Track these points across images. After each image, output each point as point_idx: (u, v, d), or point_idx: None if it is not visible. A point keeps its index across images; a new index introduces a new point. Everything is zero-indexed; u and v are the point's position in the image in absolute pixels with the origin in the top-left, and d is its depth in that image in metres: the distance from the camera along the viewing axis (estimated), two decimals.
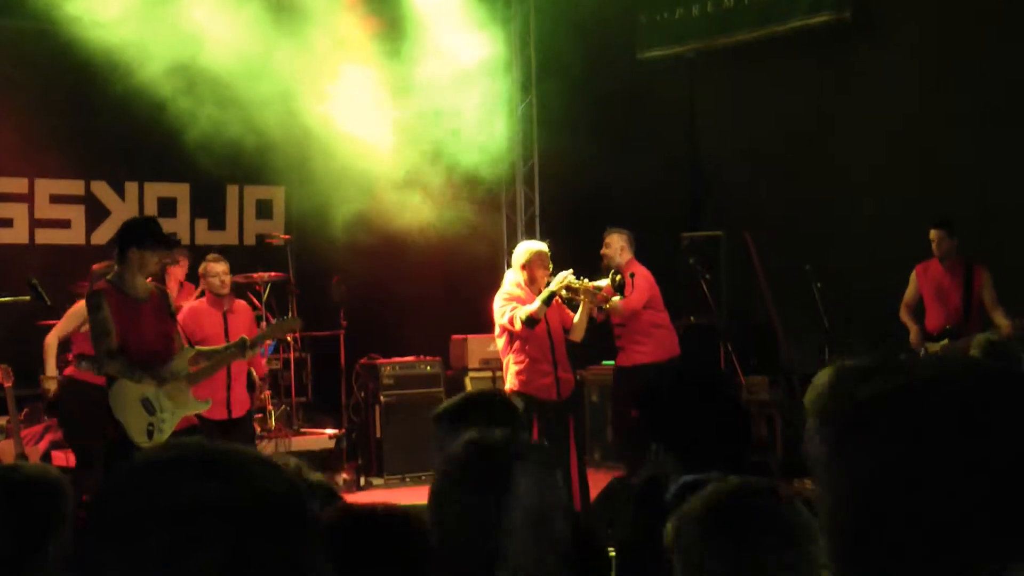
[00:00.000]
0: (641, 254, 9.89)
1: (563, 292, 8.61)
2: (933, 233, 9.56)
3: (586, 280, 8.69)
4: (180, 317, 8.79)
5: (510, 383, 8.64)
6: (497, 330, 8.73)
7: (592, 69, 12.13)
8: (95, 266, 8.96)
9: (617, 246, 9.71)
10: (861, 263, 10.89)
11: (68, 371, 9.04)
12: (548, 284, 8.53)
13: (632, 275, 9.23)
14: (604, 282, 8.82)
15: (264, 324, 9.64)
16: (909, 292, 9.79)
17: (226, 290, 8.86)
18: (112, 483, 1.17)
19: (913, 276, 9.77)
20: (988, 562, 1.05)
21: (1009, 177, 10.24)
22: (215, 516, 1.11)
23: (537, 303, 8.43)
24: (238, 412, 8.72)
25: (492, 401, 3.82)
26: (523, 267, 8.68)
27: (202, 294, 9.39)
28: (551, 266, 8.70)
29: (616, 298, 8.85)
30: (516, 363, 8.62)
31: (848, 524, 1.13)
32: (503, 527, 2.41)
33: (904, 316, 9.74)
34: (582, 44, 11.96)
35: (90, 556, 1.12)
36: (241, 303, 9.18)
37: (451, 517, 2.45)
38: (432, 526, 2.44)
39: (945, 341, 9.24)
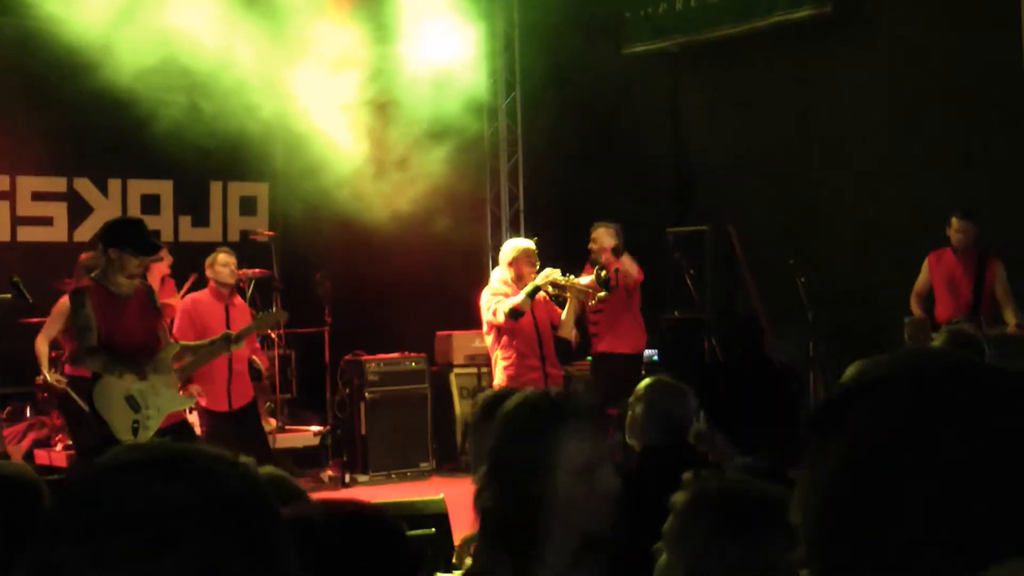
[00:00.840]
0: (627, 248, 9.91)
1: (550, 289, 8.64)
2: (957, 223, 9.39)
3: (572, 277, 8.72)
4: (182, 307, 8.88)
5: (498, 378, 8.65)
6: (485, 327, 8.75)
7: (576, 64, 12.11)
8: (83, 256, 8.91)
9: (604, 240, 9.75)
10: (845, 257, 10.91)
11: (68, 370, 9.05)
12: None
13: (617, 271, 9.26)
14: (589, 279, 8.85)
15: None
16: (920, 280, 9.67)
17: (233, 280, 9.03)
18: (75, 486, 1.15)
19: (925, 264, 9.65)
20: (955, 566, 1.04)
21: (993, 169, 10.26)
22: (181, 518, 1.09)
23: (521, 296, 8.46)
24: (238, 403, 8.79)
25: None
26: (510, 264, 8.70)
27: (188, 289, 9.40)
28: (538, 263, 8.73)
29: (601, 293, 8.85)
30: (504, 359, 8.64)
31: (814, 527, 1.11)
32: (551, 477, 2.52)
33: (913, 305, 9.65)
34: (566, 39, 11.95)
35: (53, 561, 1.09)
36: (240, 300, 9.29)
37: (503, 469, 2.58)
38: (489, 480, 2.58)
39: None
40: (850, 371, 1.20)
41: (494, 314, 8.53)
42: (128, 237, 7.04)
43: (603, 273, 8.84)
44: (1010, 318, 9.08)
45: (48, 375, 9.15)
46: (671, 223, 12.06)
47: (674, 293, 10.99)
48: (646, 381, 4.75)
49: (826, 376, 9.79)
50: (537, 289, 8.51)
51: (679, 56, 12.66)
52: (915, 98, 10.74)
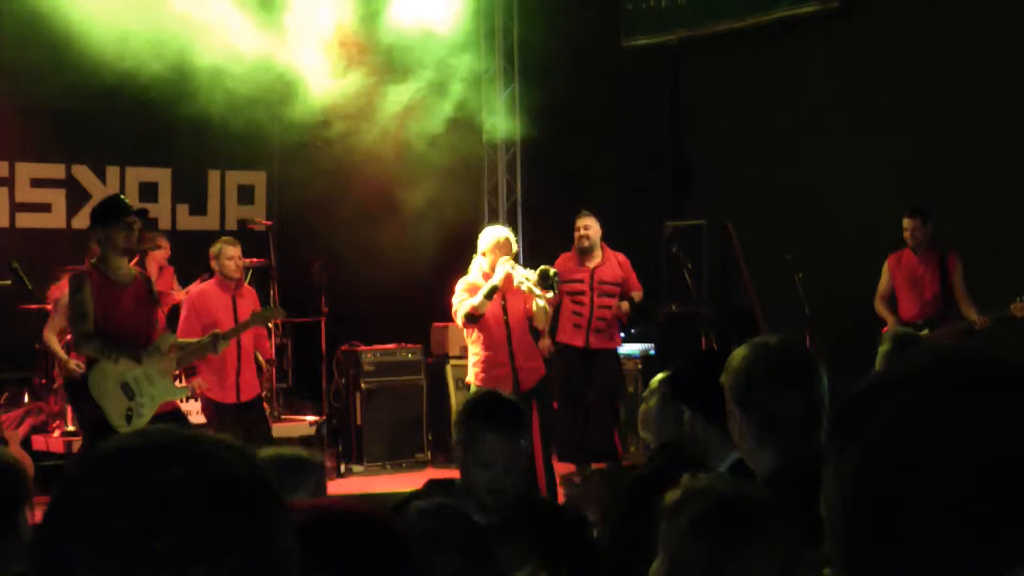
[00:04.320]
0: (624, 242, 9.92)
1: (521, 283, 8.21)
2: (907, 222, 9.52)
3: (528, 276, 8.27)
4: (188, 300, 8.82)
5: (470, 376, 8.46)
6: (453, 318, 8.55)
7: (576, 56, 12.12)
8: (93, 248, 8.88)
9: (597, 228, 9.76)
10: (843, 253, 10.91)
11: (74, 357, 9.03)
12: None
13: (556, 274, 8.55)
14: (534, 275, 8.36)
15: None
16: (883, 283, 9.77)
17: (239, 274, 8.88)
18: (78, 469, 1.17)
19: (886, 267, 9.75)
20: (987, 564, 1.03)
21: (994, 168, 10.26)
22: (179, 500, 1.11)
23: (479, 297, 8.14)
24: (247, 395, 8.75)
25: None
26: (483, 254, 8.37)
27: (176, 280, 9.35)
28: (513, 253, 8.40)
29: (549, 294, 8.33)
30: (473, 355, 8.42)
31: (841, 524, 1.11)
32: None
33: (879, 308, 9.73)
34: (566, 31, 11.95)
35: (52, 541, 1.12)
36: (248, 287, 9.18)
37: None
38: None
39: (925, 331, 9.24)
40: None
41: (454, 315, 8.34)
42: (108, 211, 7.10)
43: (551, 272, 8.39)
44: (972, 315, 9.15)
45: (68, 361, 9.13)
46: (669, 216, 12.08)
47: (671, 286, 11.01)
48: (661, 375, 4.64)
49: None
50: (495, 289, 8.16)
51: (679, 49, 12.66)
52: (920, 94, 10.72)
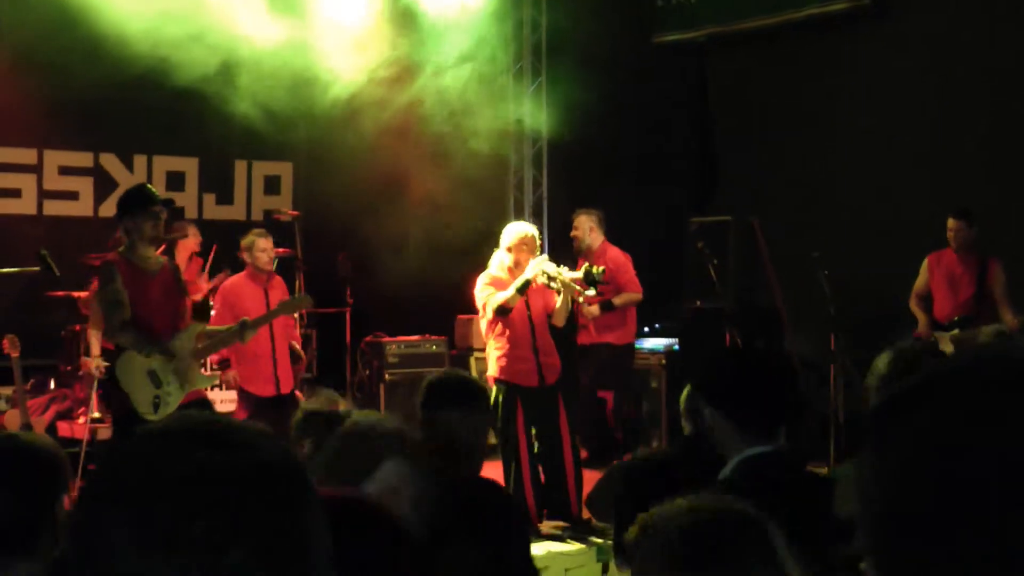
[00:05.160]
0: (649, 237, 9.90)
1: (544, 279, 8.26)
2: (952, 222, 9.46)
3: (564, 270, 8.32)
4: (220, 292, 8.86)
5: (491, 369, 8.46)
6: (479, 312, 8.59)
7: (604, 52, 12.09)
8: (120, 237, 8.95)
9: (585, 227, 9.75)
10: (869, 251, 10.88)
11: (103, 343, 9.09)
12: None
13: (603, 270, 8.53)
14: (579, 274, 8.35)
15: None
16: (919, 282, 9.74)
17: (272, 266, 8.89)
18: (118, 452, 1.19)
19: (925, 265, 9.70)
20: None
21: (1022, 167, 10.21)
22: (217, 485, 1.13)
23: (510, 291, 8.18)
24: (286, 388, 8.79)
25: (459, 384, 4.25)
26: (508, 250, 8.39)
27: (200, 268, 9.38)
28: (538, 251, 8.45)
29: (590, 291, 8.32)
30: (496, 348, 8.42)
31: (879, 516, 1.11)
32: None
33: (914, 306, 9.71)
34: (595, 26, 11.93)
35: (92, 522, 1.14)
36: (279, 279, 9.19)
37: None
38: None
39: (956, 331, 9.20)
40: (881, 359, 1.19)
41: (483, 308, 8.36)
42: (135, 200, 7.13)
43: (595, 270, 8.33)
44: (1008, 317, 9.09)
45: (96, 359, 9.13)
46: (695, 213, 12.05)
47: (696, 283, 10.98)
48: None
49: (847, 369, 9.78)
50: (527, 284, 8.19)
51: (708, 45, 12.63)
52: (949, 92, 10.67)
